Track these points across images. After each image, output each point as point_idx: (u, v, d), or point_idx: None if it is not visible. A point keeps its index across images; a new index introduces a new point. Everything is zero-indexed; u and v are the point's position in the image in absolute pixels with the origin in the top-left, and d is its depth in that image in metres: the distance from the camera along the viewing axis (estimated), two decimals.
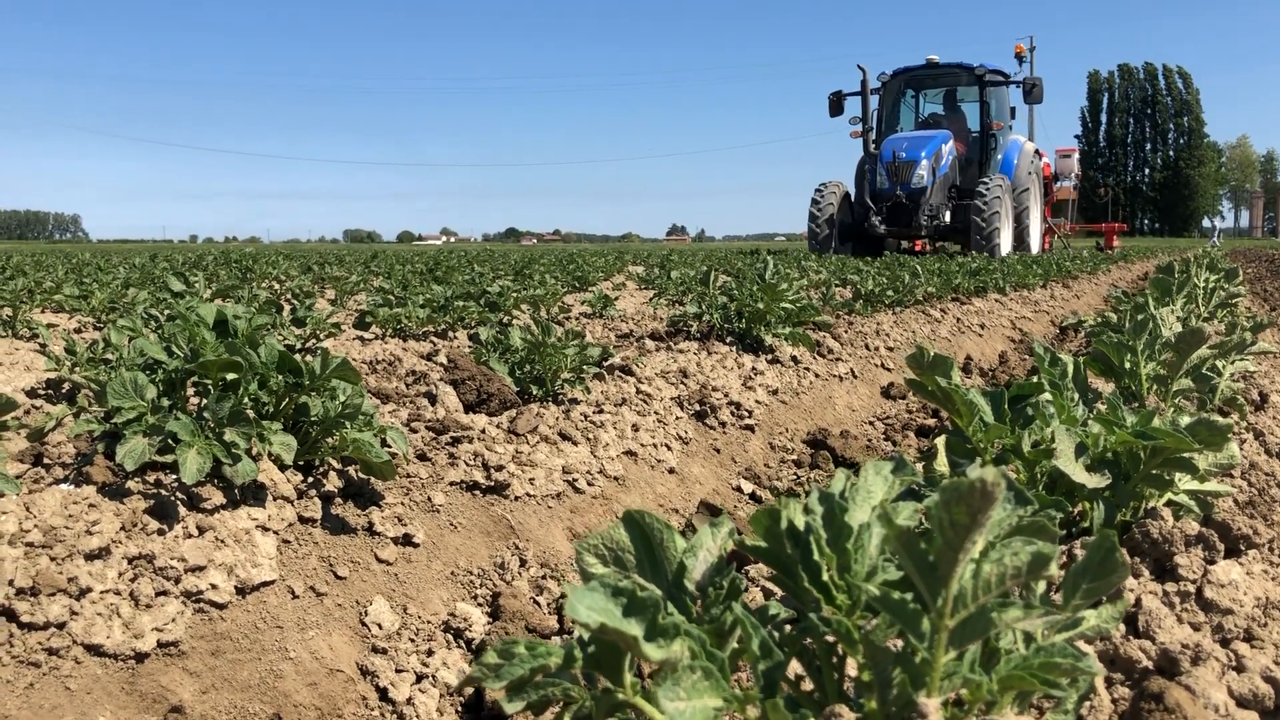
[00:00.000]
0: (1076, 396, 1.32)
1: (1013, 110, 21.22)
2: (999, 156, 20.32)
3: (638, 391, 3.29)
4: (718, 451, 3.32)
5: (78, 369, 3.38)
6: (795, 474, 3.45)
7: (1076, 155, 27.18)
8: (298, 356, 2.05)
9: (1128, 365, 2.04)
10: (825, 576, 0.77)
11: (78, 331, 5.21)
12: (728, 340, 4.21)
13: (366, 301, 6.98)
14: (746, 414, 3.57)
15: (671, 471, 3.01)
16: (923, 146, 18.22)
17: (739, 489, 3.19)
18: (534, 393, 3.03)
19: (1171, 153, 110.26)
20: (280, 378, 2.03)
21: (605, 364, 3.42)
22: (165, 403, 1.91)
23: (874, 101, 20.66)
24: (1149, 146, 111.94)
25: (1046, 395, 1.31)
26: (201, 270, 11.59)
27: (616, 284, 10.50)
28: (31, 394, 3.41)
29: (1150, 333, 2.01)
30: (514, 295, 5.37)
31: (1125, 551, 1.21)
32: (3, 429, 1.69)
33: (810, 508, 0.82)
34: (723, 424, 3.45)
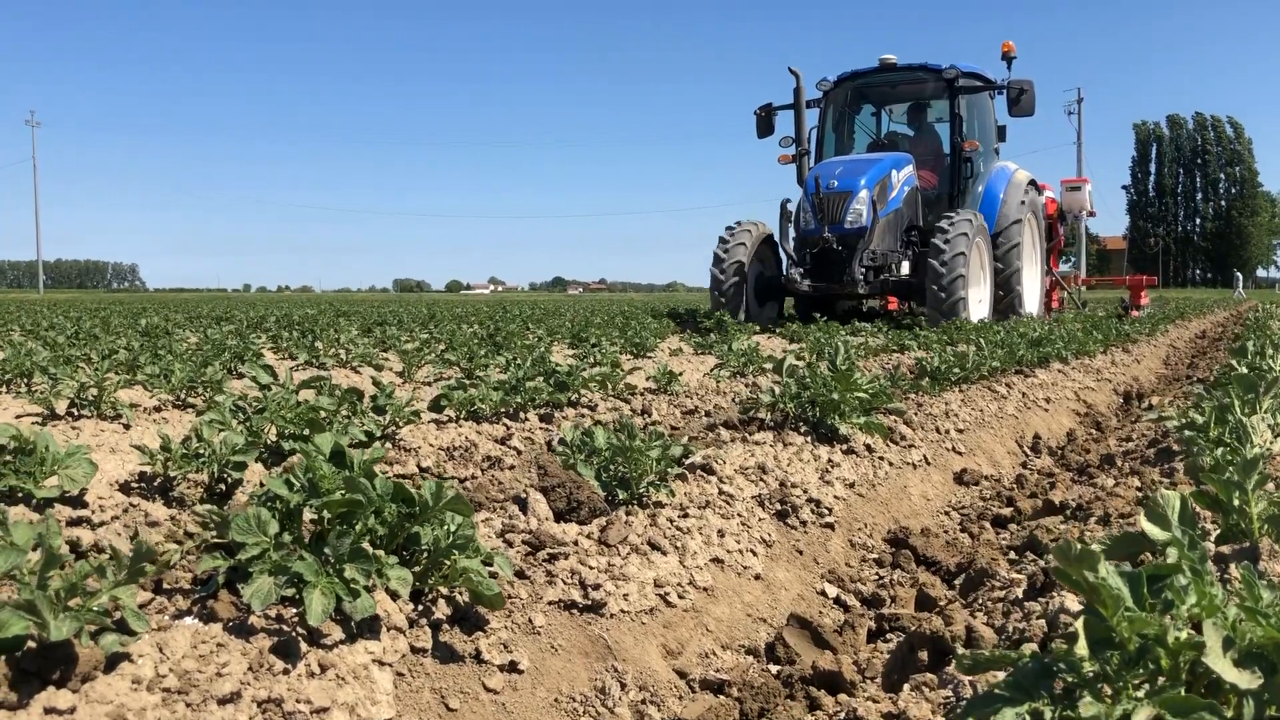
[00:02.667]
0: (1214, 578, 1.32)
1: (1001, 129, 16.26)
2: (979, 188, 15.35)
3: (720, 492, 3.31)
4: (800, 553, 3.32)
5: (170, 463, 3.46)
6: (878, 574, 3.44)
7: (1089, 188, 21.04)
8: (409, 487, 2.10)
9: (1236, 503, 2.03)
10: None
11: (158, 409, 5.33)
12: (802, 430, 4.22)
13: (432, 373, 7.07)
14: (826, 511, 3.57)
15: (757, 578, 3.02)
16: (862, 173, 13.43)
17: (823, 593, 3.18)
18: (620, 496, 3.06)
19: (1223, 202, 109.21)
20: (394, 507, 2.08)
21: (686, 462, 3.44)
22: (286, 537, 1.96)
23: (814, 117, 15.96)
24: (1200, 196, 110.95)
25: (1183, 575, 1.31)
26: (265, 333, 11.79)
27: (673, 348, 10.55)
28: (125, 489, 3.49)
29: (1261, 472, 2.00)
30: (581, 374, 5.42)
31: None
32: (140, 575, 1.74)
33: None
34: (804, 523, 3.45)
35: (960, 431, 5.29)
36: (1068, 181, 20.88)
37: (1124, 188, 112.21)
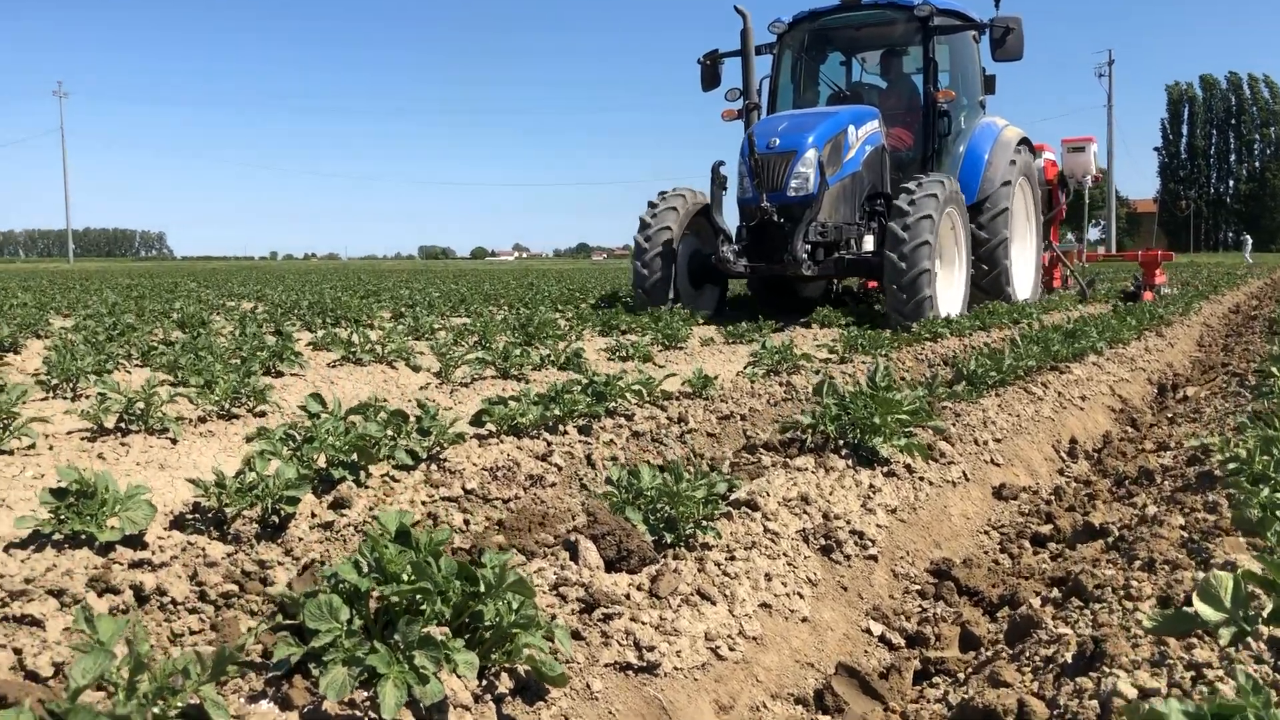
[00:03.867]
0: None
1: (989, 79, 14.00)
2: (960, 148, 13.17)
3: (765, 530, 3.35)
4: (844, 589, 3.36)
5: (225, 496, 3.53)
6: (921, 607, 3.47)
7: (1094, 148, 17.87)
8: (472, 567, 2.15)
9: None
10: None
11: (203, 420, 5.42)
12: (843, 452, 4.24)
13: (469, 373, 7.13)
14: (870, 543, 3.61)
15: (804, 620, 3.06)
16: (810, 129, 11.45)
17: (868, 631, 3.23)
18: (667, 539, 3.10)
19: (1258, 164, 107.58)
20: (458, 584, 2.13)
21: (731, 498, 3.48)
22: (357, 622, 2.01)
23: (768, 66, 13.85)
24: (1233, 158, 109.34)
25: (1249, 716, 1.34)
26: (299, 319, 11.90)
27: (704, 337, 10.56)
28: (180, 523, 3.57)
29: None
30: (618, 383, 5.46)
31: None
32: (222, 673, 1.80)
33: None
34: (847, 557, 3.49)
35: (998, 441, 5.29)
36: (1070, 141, 17.91)
37: (1155, 149, 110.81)
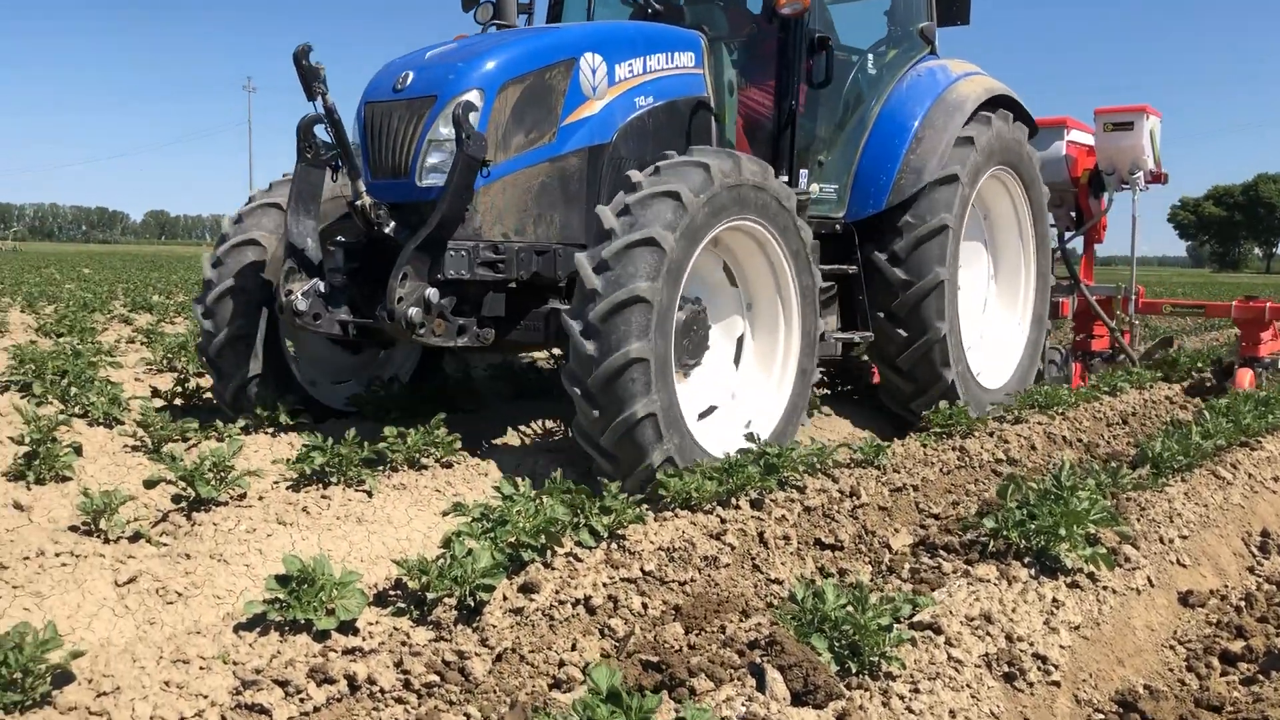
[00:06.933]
0: None
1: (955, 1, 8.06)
2: (874, 108, 7.40)
3: (948, 657, 3.35)
4: None
5: (427, 579, 3.75)
6: None
7: (1153, 124, 10.03)
8: None
9: None
10: None
11: (394, 470, 5.71)
12: (1025, 560, 4.19)
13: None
14: (1053, 667, 3.57)
15: None
16: (481, 57, 5.59)
17: None
18: (851, 667, 3.15)
19: None
20: None
21: (913, 619, 3.50)
22: None
23: None
24: None
25: None
26: None
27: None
28: (381, 600, 3.81)
29: None
30: (790, 454, 5.51)
31: None
32: None
33: None
34: (1030, 685, 3.46)
35: (1184, 538, 5.11)
36: (1107, 112, 10.22)
37: None
